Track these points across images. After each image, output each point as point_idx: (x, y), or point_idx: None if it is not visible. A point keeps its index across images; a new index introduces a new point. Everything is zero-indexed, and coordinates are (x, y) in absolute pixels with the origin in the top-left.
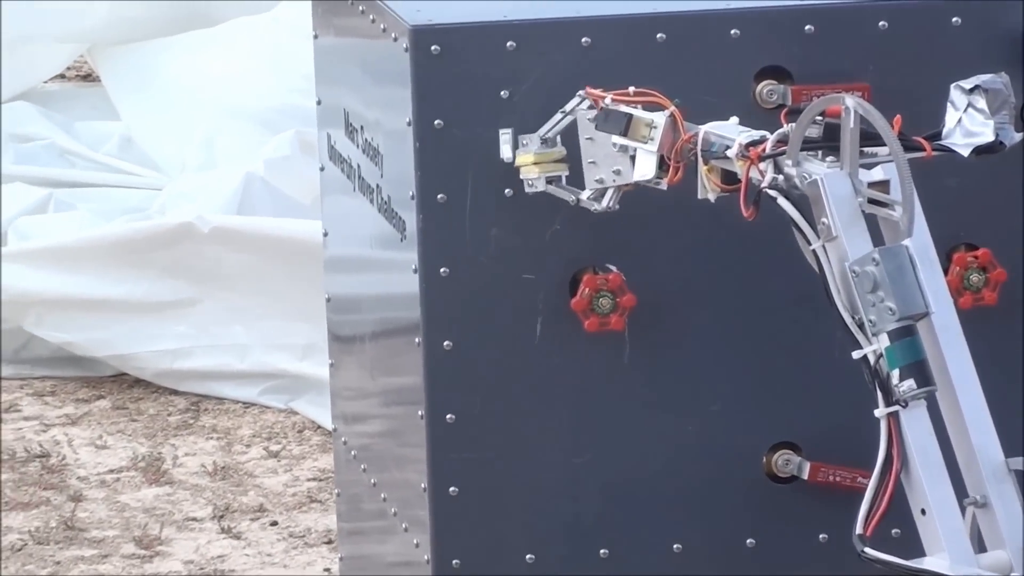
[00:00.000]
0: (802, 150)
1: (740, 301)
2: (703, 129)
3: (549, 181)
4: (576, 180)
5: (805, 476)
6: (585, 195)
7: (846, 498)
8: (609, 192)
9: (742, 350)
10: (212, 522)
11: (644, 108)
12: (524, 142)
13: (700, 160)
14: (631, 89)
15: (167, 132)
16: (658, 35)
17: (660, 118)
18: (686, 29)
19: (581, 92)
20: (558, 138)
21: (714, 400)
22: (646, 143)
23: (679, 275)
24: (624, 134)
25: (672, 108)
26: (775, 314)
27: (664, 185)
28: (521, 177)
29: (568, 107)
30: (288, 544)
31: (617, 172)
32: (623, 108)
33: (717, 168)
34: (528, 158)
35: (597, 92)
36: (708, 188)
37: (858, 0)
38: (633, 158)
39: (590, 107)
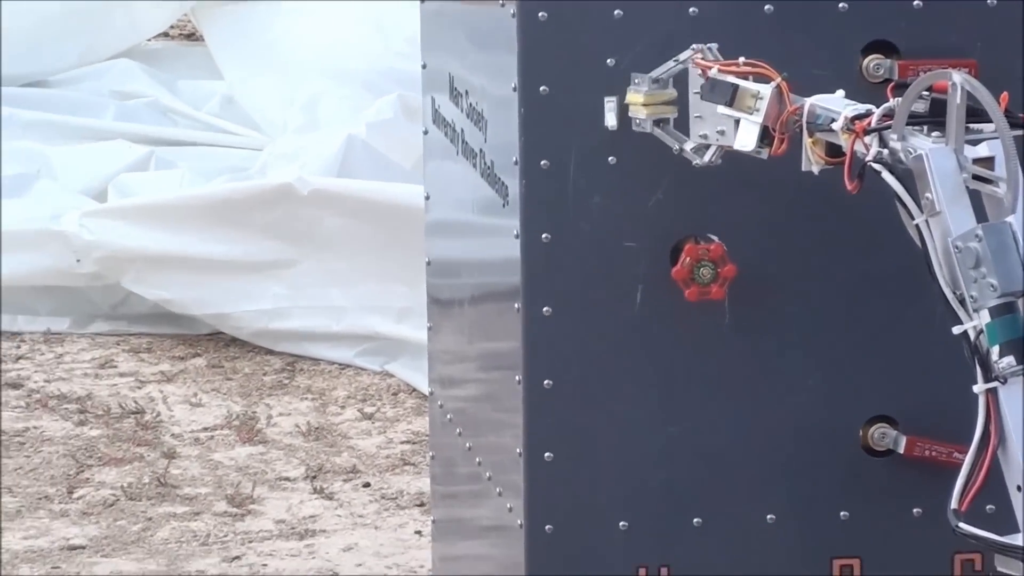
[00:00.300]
0: (908, 125)
1: (841, 274)
2: (809, 101)
3: (656, 123)
4: (684, 126)
5: (901, 450)
6: (689, 146)
7: (941, 473)
8: (712, 147)
9: (841, 323)
10: (304, 482)
11: (751, 79)
12: (636, 80)
13: (805, 132)
14: (740, 60)
15: (269, 93)
16: (766, 7)
17: (766, 89)
18: (794, 1)
19: (696, 45)
20: (670, 80)
21: (812, 372)
22: (751, 114)
23: (780, 246)
24: (730, 104)
25: (779, 79)
26: (875, 288)
27: (765, 155)
28: (629, 115)
29: (682, 56)
30: (380, 506)
31: (721, 132)
32: (730, 78)
33: (822, 141)
34: (638, 98)
35: (704, 62)
36: (812, 160)
37: None
38: (738, 123)
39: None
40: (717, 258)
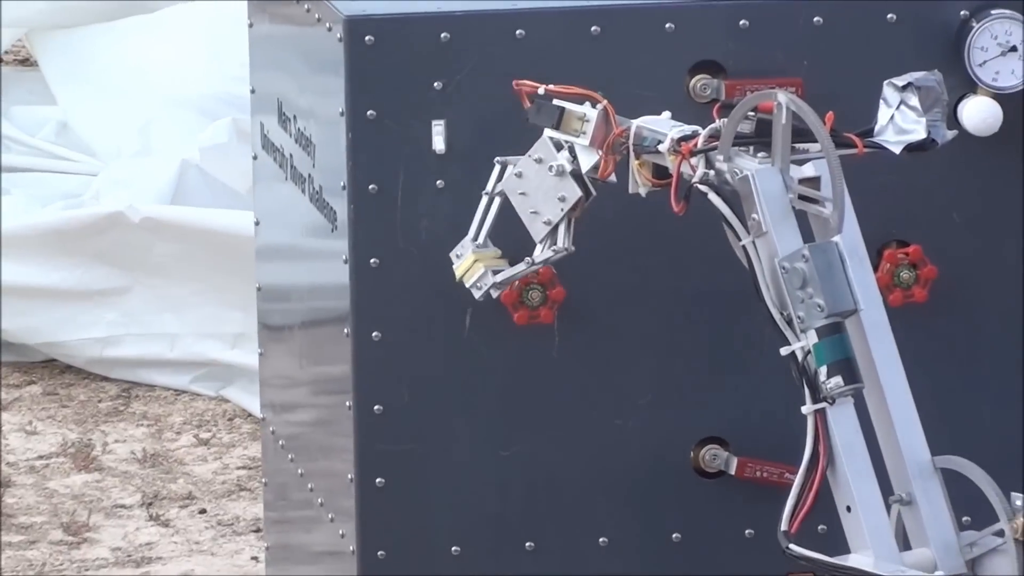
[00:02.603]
0: (734, 145)
1: (670, 296)
2: (635, 123)
3: (495, 273)
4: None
5: (732, 471)
6: (537, 252)
7: (773, 494)
8: (561, 230)
9: (671, 345)
10: (140, 509)
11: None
12: (458, 253)
13: (632, 154)
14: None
15: (104, 118)
16: (592, 28)
17: (592, 111)
18: (620, 22)
19: (498, 159)
20: (488, 241)
21: (642, 394)
22: (579, 137)
23: (609, 269)
24: (557, 127)
25: (605, 102)
26: (704, 309)
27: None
28: (467, 286)
29: (488, 187)
30: (216, 532)
31: (562, 199)
32: (556, 101)
33: (649, 163)
34: (468, 260)
35: (529, 84)
36: (639, 182)
37: None
38: (574, 176)
39: (500, 175)
40: (546, 281)
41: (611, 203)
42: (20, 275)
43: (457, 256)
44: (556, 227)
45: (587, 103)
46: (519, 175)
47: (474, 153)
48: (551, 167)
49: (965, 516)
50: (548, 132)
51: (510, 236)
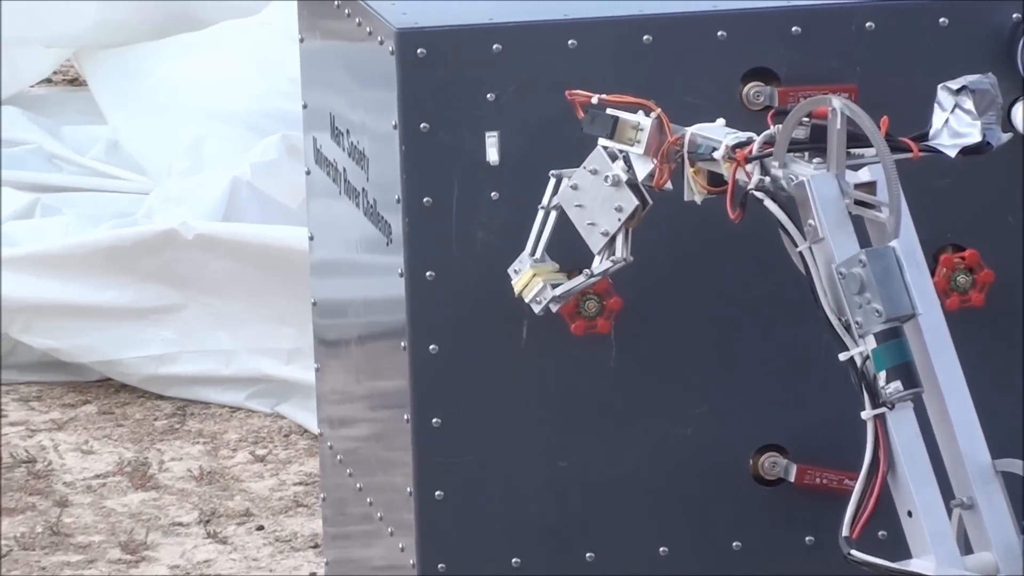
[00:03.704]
0: (789, 151)
1: (727, 304)
2: (690, 131)
3: (553, 287)
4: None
5: (792, 478)
6: (596, 263)
7: (833, 500)
8: (619, 241)
9: (729, 352)
10: (198, 527)
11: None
12: (516, 268)
13: (687, 162)
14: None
15: (154, 136)
16: (644, 37)
17: (647, 120)
18: (673, 30)
19: (553, 172)
20: (546, 255)
21: (701, 402)
22: (633, 146)
23: (666, 278)
24: (611, 137)
25: (658, 110)
26: (762, 316)
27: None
28: (527, 301)
29: (544, 201)
30: (274, 549)
31: (619, 209)
32: (609, 111)
33: (704, 170)
34: (527, 275)
35: (583, 94)
36: (695, 190)
37: (845, 1)
38: (630, 186)
39: (556, 188)
40: (602, 291)
41: (667, 211)
42: (74, 294)
43: (515, 271)
44: (614, 238)
45: (641, 112)
46: (575, 187)
47: (528, 163)
48: (607, 177)
49: None
50: (602, 142)
51: (567, 248)
